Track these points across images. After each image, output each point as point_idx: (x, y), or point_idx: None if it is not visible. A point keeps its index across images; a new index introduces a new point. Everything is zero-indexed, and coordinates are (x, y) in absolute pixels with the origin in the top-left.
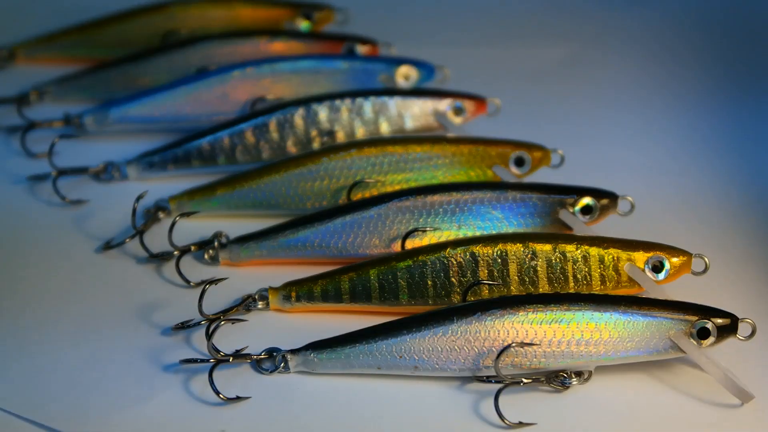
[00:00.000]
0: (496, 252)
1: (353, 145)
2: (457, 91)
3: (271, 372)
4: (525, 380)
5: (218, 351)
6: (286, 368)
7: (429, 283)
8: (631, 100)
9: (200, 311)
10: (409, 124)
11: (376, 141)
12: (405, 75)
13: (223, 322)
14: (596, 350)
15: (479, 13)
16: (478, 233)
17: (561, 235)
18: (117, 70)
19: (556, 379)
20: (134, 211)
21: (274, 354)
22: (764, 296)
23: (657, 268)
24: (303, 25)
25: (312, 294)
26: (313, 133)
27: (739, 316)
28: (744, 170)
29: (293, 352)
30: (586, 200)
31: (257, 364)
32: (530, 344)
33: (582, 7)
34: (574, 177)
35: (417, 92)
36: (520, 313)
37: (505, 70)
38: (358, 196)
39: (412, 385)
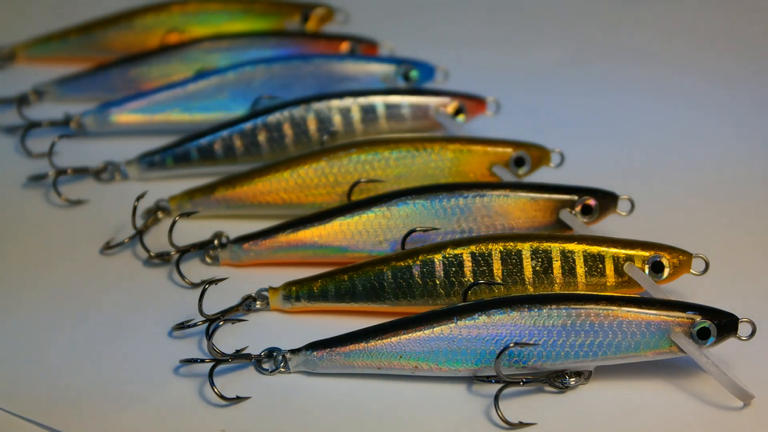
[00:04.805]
0: (497, 252)
1: (353, 145)
2: (457, 91)
3: (271, 372)
4: (525, 380)
5: (218, 351)
6: (287, 368)
7: (429, 282)
8: (630, 99)
9: (200, 311)
10: (409, 123)
11: (376, 141)
12: (405, 75)
13: (222, 322)
14: (596, 350)
15: (479, 13)
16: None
17: (561, 235)
18: (117, 70)
19: (557, 379)
20: (134, 211)
21: (274, 354)
22: (764, 296)
23: (657, 268)
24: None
25: (312, 293)
26: (314, 132)
27: (739, 316)
28: (744, 169)
29: (293, 352)
30: (587, 200)
31: (257, 364)
32: (530, 344)
33: (582, 7)
34: (574, 177)
35: (417, 92)
36: (520, 313)
37: (505, 70)
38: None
39: (412, 385)
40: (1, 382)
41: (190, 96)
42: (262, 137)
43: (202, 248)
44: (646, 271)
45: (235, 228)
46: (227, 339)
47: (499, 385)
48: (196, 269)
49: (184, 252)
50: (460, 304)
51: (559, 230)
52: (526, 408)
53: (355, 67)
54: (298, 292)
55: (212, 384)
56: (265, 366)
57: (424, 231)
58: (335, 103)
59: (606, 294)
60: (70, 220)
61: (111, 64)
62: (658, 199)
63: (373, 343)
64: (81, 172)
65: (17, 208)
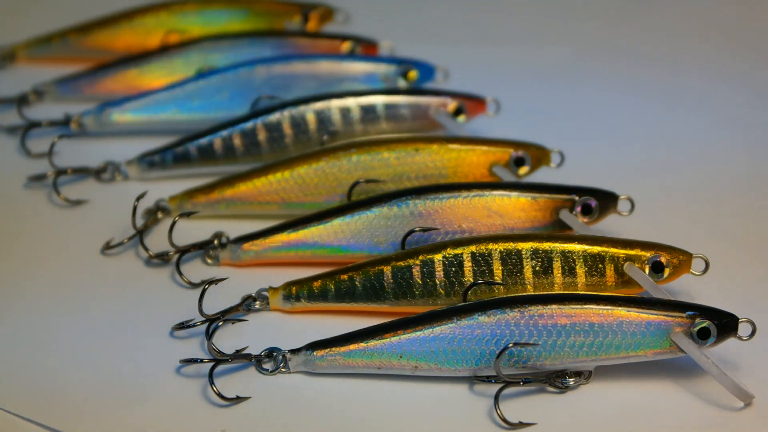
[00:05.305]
0: (497, 251)
1: (353, 145)
2: (457, 91)
3: (271, 372)
4: (525, 380)
5: (218, 351)
6: (287, 368)
7: (429, 282)
8: (631, 99)
9: (200, 311)
10: (409, 123)
11: (376, 141)
12: (405, 75)
13: (222, 322)
14: (596, 350)
15: (479, 13)
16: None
17: (561, 235)
18: (117, 70)
19: (557, 379)
20: (134, 210)
21: (275, 354)
22: (764, 296)
23: (657, 268)
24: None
25: (312, 293)
26: (314, 132)
27: (739, 316)
28: (744, 169)
29: (293, 351)
30: (587, 200)
31: (257, 364)
32: (530, 344)
33: (583, 6)
34: (574, 177)
35: (417, 92)
36: (521, 313)
37: (505, 70)
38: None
39: (412, 385)
40: (1, 382)
41: (189, 96)
42: (262, 137)
43: (202, 248)
44: (646, 271)
45: (235, 228)
46: (227, 339)
47: (499, 385)
48: (196, 269)
49: (184, 252)
50: (460, 304)
51: (559, 230)
52: (526, 408)
53: (355, 67)
54: (298, 292)
55: (212, 384)
56: (266, 366)
57: (424, 231)
58: (335, 103)
59: (606, 294)
60: (70, 220)
61: (111, 64)
62: (658, 199)
63: (373, 343)
64: (81, 172)
65: (17, 208)
